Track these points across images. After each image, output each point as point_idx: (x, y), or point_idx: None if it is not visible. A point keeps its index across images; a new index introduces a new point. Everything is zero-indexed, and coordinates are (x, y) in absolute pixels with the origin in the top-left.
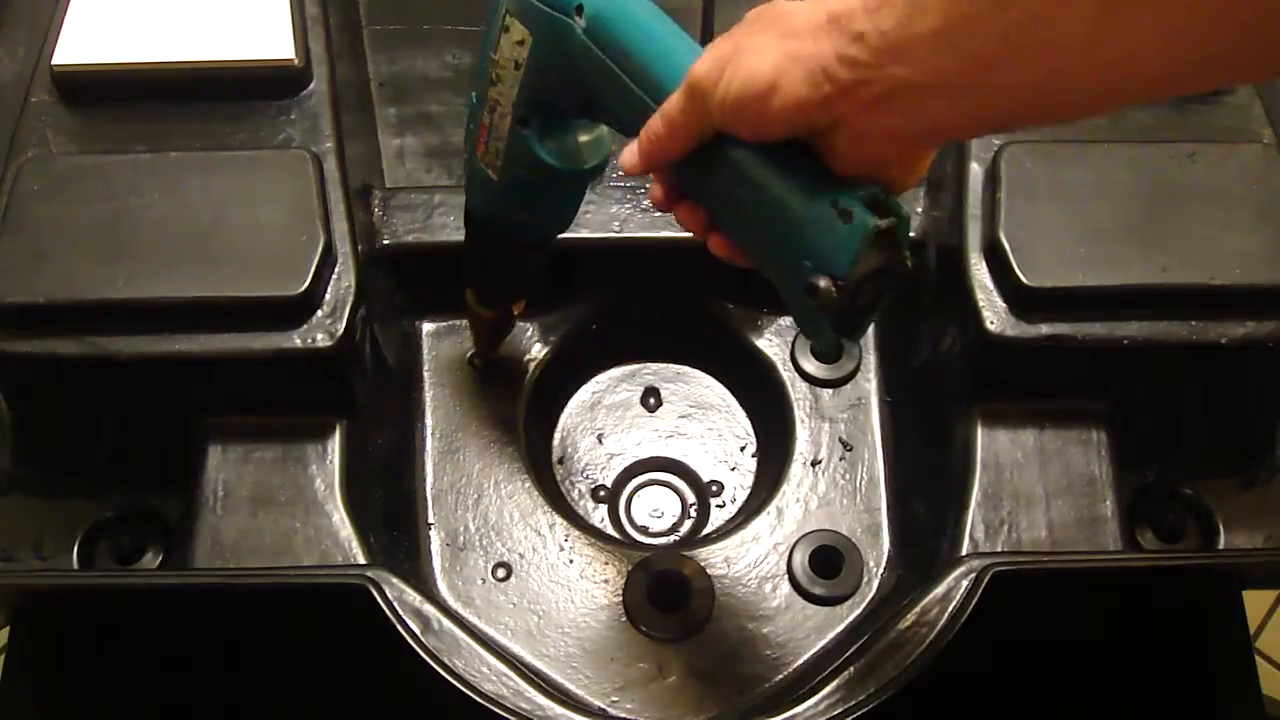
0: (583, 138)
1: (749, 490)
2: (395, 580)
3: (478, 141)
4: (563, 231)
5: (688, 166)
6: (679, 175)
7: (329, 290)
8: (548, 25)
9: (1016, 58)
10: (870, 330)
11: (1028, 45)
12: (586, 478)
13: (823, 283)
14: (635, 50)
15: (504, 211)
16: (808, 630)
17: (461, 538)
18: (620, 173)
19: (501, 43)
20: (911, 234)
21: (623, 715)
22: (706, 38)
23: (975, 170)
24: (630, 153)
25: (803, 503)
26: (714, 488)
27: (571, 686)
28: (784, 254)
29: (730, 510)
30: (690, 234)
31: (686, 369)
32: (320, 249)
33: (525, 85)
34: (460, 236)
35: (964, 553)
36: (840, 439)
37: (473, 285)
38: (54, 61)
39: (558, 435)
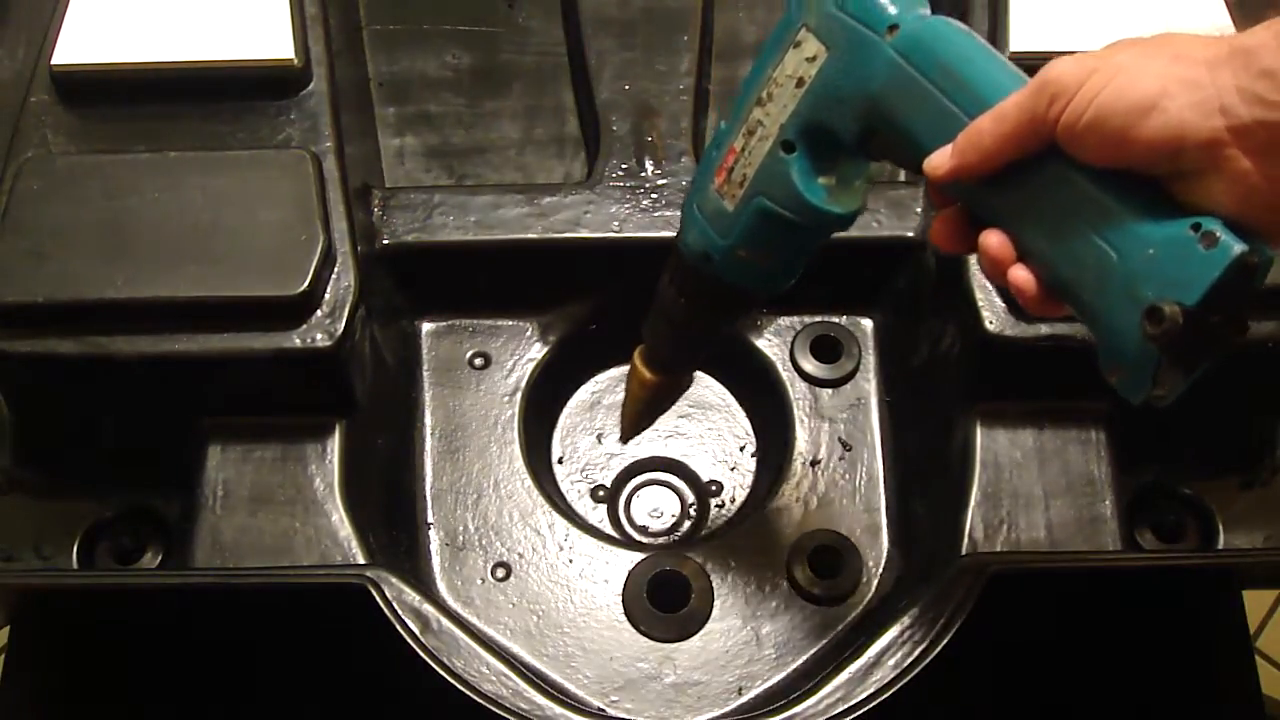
0: (842, 179)
1: (749, 490)
2: (395, 580)
3: (717, 169)
4: (780, 290)
5: (999, 184)
6: (982, 198)
7: (329, 290)
8: (851, 41)
9: None
10: (869, 329)
11: None
12: (586, 478)
13: (1168, 307)
14: (954, 65)
15: (726, 248)
16: (807, 630)
17: (461, 537)
18: (619, 172)
19: (788, 59)
20: (910, 234)
21: (622, 715)
22: (707, 38)
23: None
24: (941, 154)
25: (802, 503)
26: (713, 487)
27: (571, 686)
28: (1116, 283)
29: (730, 510)
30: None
31: None
32: (320, 249)
33: (804, 105)
34: (460, 236)
35: (963, 553)
36: (840, 439)
37: (652, 342)
38: (53, 61)
39: (558, 435)
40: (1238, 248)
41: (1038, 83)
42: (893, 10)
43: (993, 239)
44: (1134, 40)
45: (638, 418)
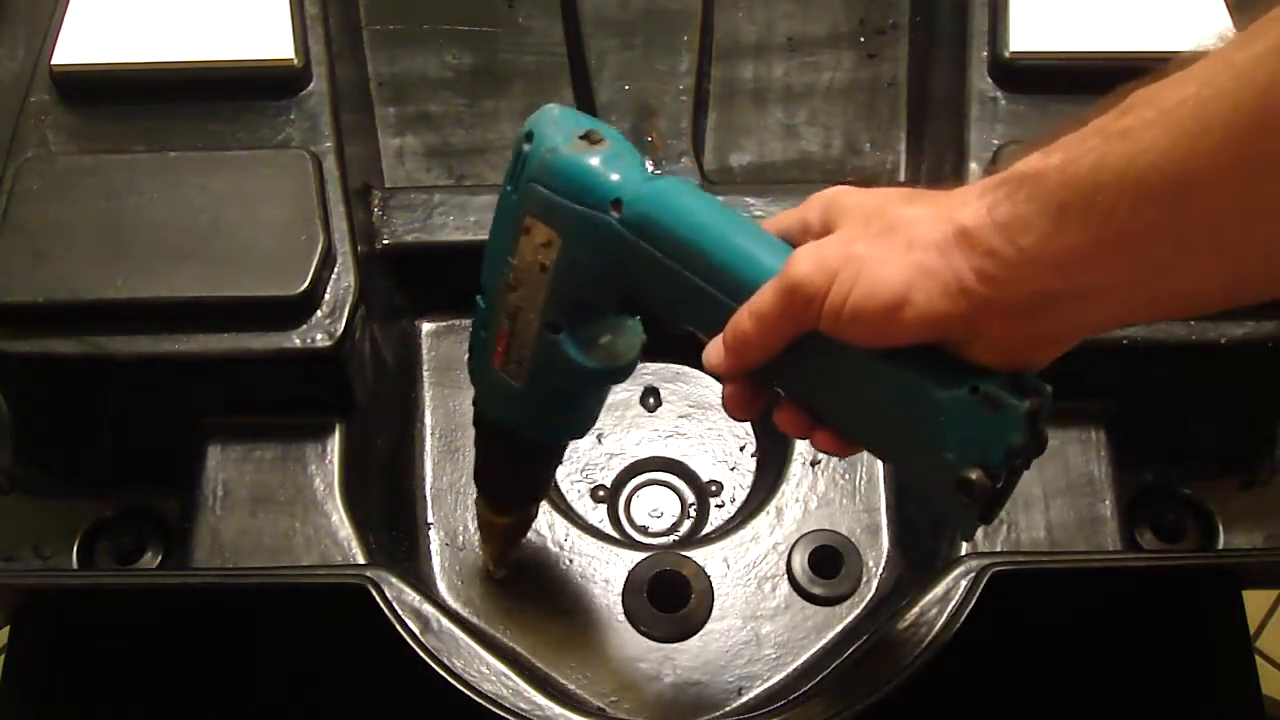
0: (616, 333)
1: (748, 490)
2: (394, 580)
3: (492, 351)
4: (589, 430)
5: (780, 365)
6: (768, 373)
7: (329, 290)
8: (579, 223)
9: (1197, 261)
10: None
11: (1210, 248)
12: (586, 478)
13: (975, 475)
14: (691, 240)
15: (527, 418)
16: (807, 630)
17: (461, 537)
18: None
19: (521, 246)
20: None
21: (622, 715)
22: (707, 38)
23: (974, 169)
24: (715, 351)
25: (802, 503)
26: (713, 488)
27: (571, 686)
28: (916, 447)
29: (730, 510)
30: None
31: (686, 369)
32: (320, 249)
33: (554, 289)
34: (460, 236)
35: (963, 553)
36: None
37: (487, 491)
38: (53, 61)
39: None
40: (1021, 406)
41: (786, 285)
42: (613, 179)
43: (785, 416)
44: (864, 220)
45: (501, 553)
